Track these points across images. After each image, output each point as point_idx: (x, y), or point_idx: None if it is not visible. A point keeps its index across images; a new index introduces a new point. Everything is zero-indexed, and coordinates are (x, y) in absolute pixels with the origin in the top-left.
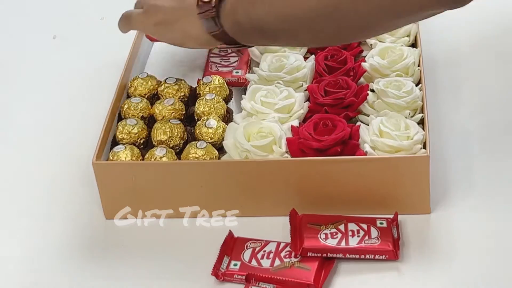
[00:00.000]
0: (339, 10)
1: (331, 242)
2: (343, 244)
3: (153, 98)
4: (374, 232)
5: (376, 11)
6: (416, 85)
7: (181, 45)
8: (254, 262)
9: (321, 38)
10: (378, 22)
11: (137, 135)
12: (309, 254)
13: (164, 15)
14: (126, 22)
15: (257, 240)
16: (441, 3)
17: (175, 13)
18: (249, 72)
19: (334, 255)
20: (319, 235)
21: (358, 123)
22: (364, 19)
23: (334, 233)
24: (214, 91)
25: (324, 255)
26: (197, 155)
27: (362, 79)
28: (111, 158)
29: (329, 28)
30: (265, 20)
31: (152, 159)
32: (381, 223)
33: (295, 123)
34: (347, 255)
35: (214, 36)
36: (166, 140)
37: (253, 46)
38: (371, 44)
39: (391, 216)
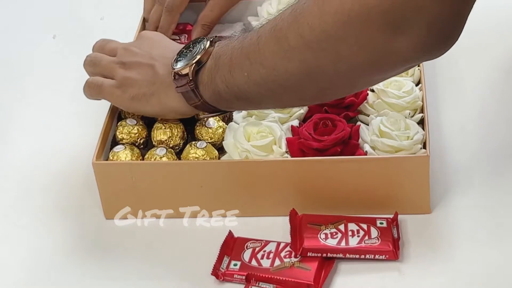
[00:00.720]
0: (319, 72)
1: (331, 242)
2: (343, 244)
3: None
4: (374, 232)
5: (358, 70)
6: (416, 85)
7: (160, 117)
8: (254, 262)
9: (305, 99)
10: (360, 79)
11: (137, 135)
12: (309, 254)
13: (139, 89)
14: (96, 91)
15: (257, 240)
16: (420, 57)
17: (152, 87)
18: None
19: (334, 255)
20: (319, 235)
21: (358, 123)
22: (345, 78)
23: (334, 233)
24: None
25: (324, 255)
26: (197, 155)
27: None
28: (111, 158)
29: (311, 89)
30: (245, 88)
31: (152, 159)
32: (381, 223)
33: (295, 123)
34: (347, 255)
35: (195, 107)
36: (166, 140)
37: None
38: None
39: (391, 216)
